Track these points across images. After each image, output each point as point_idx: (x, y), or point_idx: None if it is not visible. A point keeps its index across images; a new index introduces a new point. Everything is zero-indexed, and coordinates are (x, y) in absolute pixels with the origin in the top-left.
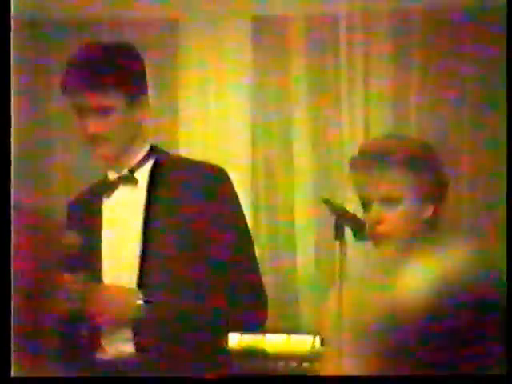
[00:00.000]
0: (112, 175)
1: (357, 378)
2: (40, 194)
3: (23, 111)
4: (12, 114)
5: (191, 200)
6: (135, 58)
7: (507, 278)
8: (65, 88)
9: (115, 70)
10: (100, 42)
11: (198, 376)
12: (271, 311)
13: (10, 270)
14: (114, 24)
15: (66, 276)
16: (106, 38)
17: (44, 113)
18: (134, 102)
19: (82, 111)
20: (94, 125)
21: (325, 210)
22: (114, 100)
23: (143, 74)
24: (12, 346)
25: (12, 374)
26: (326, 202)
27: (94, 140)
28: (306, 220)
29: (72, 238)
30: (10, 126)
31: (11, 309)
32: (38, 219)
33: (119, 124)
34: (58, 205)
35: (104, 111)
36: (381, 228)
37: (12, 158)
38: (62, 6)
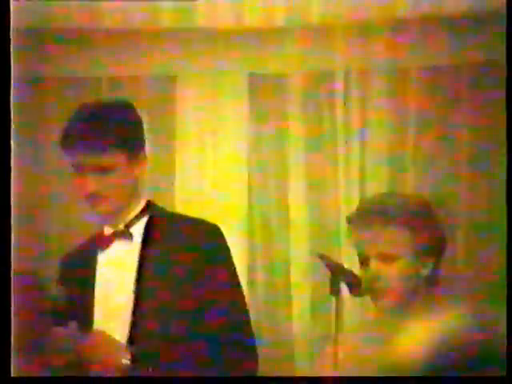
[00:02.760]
0: (108, 230)
1: (356, 378)
2: (37, 251)
3: (23, 167)
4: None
5: (184, 256)
6: (133, 114)
7: (507, 279)
8: (64, 147)
9: (115, 128)
10: (98, 101)
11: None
12: (266, 366)
13: (9, 272)
14: (112, 80)
15: (56, 329)
16: (105, 94)
17: (43, 169)
18: (133, 158)
19: (81, 169)
20: (93, 183)
21: (321, 266)
22: (114, 159)
23: (142, 130)
24: (12, 346)
25: (12, 373)
26: (322, 257)
27: (92, 198)
28: (301, 275)
29: (57, 292)
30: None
31: (11, 310)
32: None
33: (119, 182)
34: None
35: (104, 170)
36: (379, 284)
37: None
38: (62, 63)
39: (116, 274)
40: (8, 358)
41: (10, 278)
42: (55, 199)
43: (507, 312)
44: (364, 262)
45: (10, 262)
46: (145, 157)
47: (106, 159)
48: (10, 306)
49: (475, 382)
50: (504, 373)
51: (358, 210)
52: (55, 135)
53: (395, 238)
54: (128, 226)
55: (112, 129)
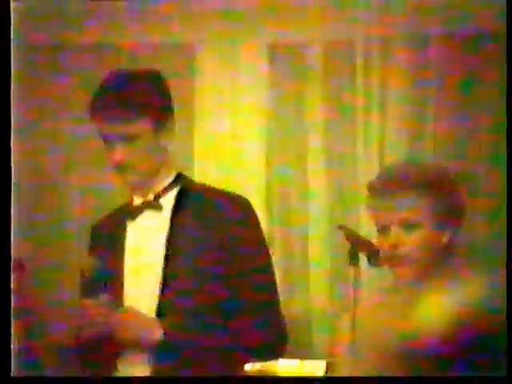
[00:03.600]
0: (137, 200)
1: (358, 378)
2: (58, 217)
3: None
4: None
5: (214, 229)
6: (160, 83)
7: (507, 278)
8: (92, 117)
9: (141, 97)
10: (125, 69)
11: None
12: None
13: (9, 270)
14: (130, 49)
15: (86, 301)
16: (124, 62)
17: (65, 135)
18: (160, 127)
19: (108, 138)
20: (120, 152)
21: (339, 236)
22: (140, 127)
23: (169, 100)
24: (12, 346)
25: (12, 373)
26: (341, 227)
27: (120, 167)
28: (320, 244)
29: (89, 262)
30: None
31: (11, 309)
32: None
33: (146, 150)
34: (77, 228)
35: (130, 138)
36: (399, 252)
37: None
38: (81, 31)
39: (145, 245)
40: (8, 357)
41: (10, 279)
42: (76, 169)
43: (507, 313)
44: (384, 229)
45: (9, 262)
46: (173, 126)
47: (132, 127)
48: (10, 306)
49: (475, 381)
50: (504, 373)
51: (378, 177)
52: (75, 103)
53: (416, 205)
54: (157, 196)
55: (137, 97)
